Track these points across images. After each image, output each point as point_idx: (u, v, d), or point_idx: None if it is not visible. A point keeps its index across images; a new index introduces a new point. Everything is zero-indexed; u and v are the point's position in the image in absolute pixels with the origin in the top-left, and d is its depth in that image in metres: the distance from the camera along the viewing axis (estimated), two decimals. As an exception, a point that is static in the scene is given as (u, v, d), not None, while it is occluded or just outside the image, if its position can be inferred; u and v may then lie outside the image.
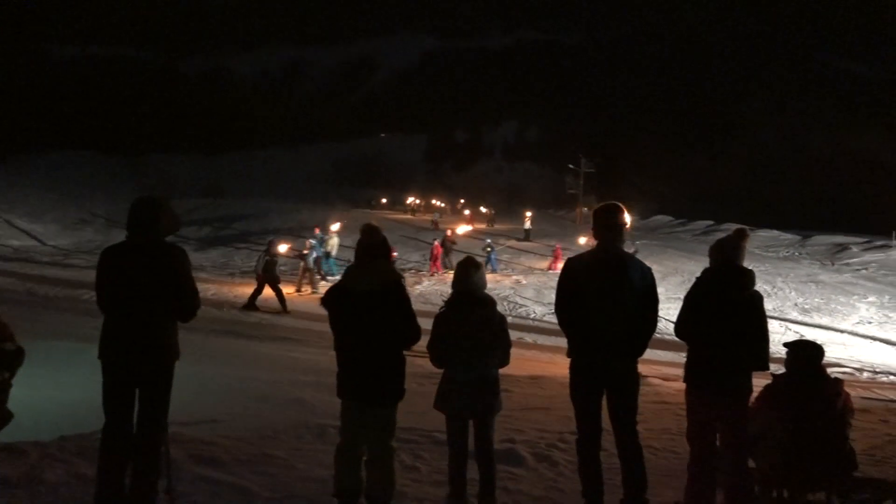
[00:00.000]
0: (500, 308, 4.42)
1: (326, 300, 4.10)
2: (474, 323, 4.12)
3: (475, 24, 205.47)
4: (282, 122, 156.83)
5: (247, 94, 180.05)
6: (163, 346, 3.81)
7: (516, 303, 18.67)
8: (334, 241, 21.34)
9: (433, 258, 24.89)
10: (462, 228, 36.21)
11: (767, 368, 4.23)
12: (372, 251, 4.07)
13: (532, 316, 17.28)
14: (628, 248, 8.41)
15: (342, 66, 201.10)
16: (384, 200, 75.21)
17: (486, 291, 4.37)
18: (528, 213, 40.68)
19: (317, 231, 21.31)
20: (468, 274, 4.22)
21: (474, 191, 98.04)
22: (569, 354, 4.31)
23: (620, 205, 4.37)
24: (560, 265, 26.88)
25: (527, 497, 4.66)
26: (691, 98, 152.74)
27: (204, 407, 6.35)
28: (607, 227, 4.25)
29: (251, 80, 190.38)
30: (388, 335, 3.96)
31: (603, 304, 4.11)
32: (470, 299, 4.17)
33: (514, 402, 7.63)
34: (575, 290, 4.21)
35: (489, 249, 26.49)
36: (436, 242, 25.67)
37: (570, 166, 60.89)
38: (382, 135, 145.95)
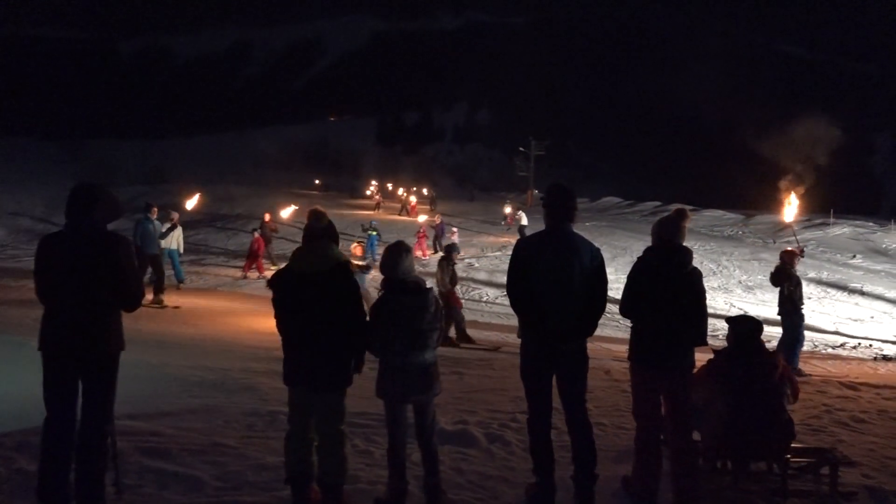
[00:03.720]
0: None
1: (273, 281, 4.07)
2: (411, 309, 4.07)
3: (424, 5, 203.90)
4: (227, 105, 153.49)
5: (190, 76, 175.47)
6: (106, 336, 3.71)
7: (469, 285, 18.75)
8: (177, 233, 14.84)
9: (252, 255, 18.98)
10: (287, 211, 24.57)
11: (706, 343, 4.35)
12: (318, 234, 4.05)
13: (485, 298, 17.39)
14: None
15: (289, 48, 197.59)
16: (376, 189, 60.99)
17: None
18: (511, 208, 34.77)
19: (153, 213, 13.40)
20: (398, 259, 4.14)
21: (425, 173, 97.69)
22: (520, 335, 4.35)
23: (569, 186, 4.42)
24: (427, 251, 23.79)
25: (479, 476, 4.71)
26: (638, 81, 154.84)
27: (151, 397, 6.22)
28: (557, 209, 4.29)
29: (194, 63, 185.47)
30: (332, 318, 3.93)
31: (553, 284, 4.16)
32: (403, 286, 4.11)
33: (467, 383, 7.69)
34: (526, 270, 4.25)
35: (372, 232, 23.56)
36: (256, 234, 19.51)
37: (521, 149, 61.22)
38: (332, 118, 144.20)
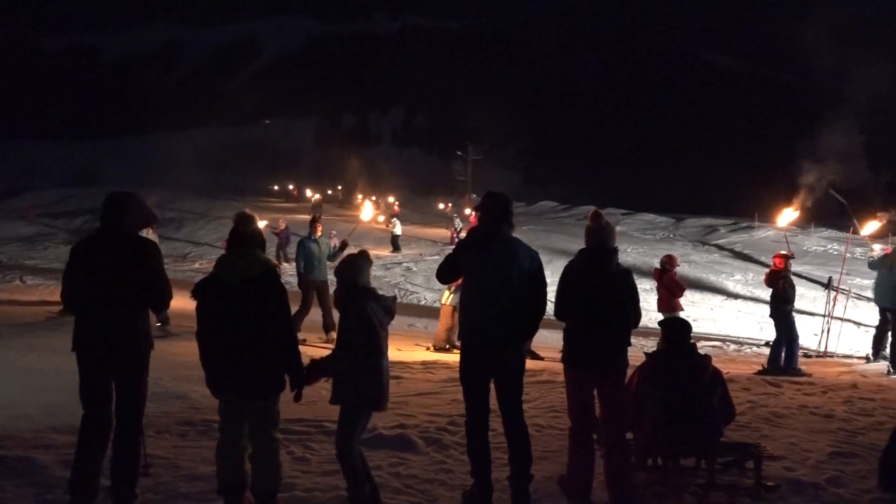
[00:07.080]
0: (390, 293, 4.42)
1: (197, 290, 3.97)
2: (379, 314, 4.13)
3: (360, 8, 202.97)
4: (159, 106, 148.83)
5: (118, 75, 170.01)
6: (136, 336, 3.89)
7: (407, 289, 18.75)
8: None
9: None
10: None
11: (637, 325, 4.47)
12: (244, 240, 3.97)
13: (423, 302, 17.41)
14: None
15: (222, 48, 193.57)
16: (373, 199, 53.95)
17: (378, 276, 4.37)
18: (395, 214, 31.39)
19: (318, 230, 10.97)
20: (363, 265, 4.22)
21: (367, 178, 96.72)
22: (459, 337, 4.38)
23: (505, 193, 4.49)
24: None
25: (417, 481, 4.71)
26: (574, 85, 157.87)
27: (77, 408, 5.96)
28: (495, 213, 4.34)
29: (122, 62, 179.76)
30: (261, 325, 3.86)
31: (493, 287, 4.19)
32: (371, 292, 4.17)
33: (405, 388, 7.67)
34: (466, 274, 4.28)
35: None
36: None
37: (458, 153, 61.55)
38: (267, 121, 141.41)
